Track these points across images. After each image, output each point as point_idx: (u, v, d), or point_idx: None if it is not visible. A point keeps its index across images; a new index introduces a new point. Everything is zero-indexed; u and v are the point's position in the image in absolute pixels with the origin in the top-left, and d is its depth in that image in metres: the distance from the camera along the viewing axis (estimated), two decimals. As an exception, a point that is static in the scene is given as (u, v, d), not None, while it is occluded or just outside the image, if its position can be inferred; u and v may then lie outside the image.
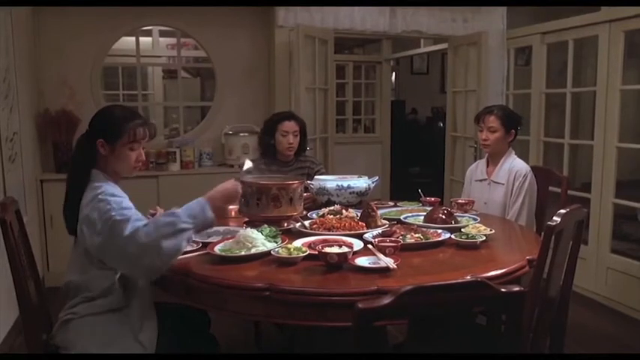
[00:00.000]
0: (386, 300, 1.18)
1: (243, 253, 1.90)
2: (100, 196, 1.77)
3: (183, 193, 4.08)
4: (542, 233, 1.78)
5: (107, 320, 1.81)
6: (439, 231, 2.19)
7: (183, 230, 1.70)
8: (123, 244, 1.67)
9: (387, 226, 2.25)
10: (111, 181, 1.89)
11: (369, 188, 2.72)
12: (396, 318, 1.33)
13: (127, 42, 4.78)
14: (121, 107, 2.00)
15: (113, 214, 1.72)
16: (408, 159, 7.58)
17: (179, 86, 5.16)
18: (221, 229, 2.29)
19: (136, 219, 1.72)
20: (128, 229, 1.67)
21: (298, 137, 3.16)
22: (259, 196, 2.27)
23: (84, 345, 1.80)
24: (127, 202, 1.81)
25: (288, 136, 3.11)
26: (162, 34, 5.65)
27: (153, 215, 2.20)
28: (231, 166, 4.58)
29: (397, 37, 5.30)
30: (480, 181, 3.00)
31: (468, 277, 1.62)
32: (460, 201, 2.69)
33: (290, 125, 3.13)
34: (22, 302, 1.86)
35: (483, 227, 2.21)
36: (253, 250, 1.91)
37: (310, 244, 2.00)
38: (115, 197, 1.78)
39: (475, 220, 2.38)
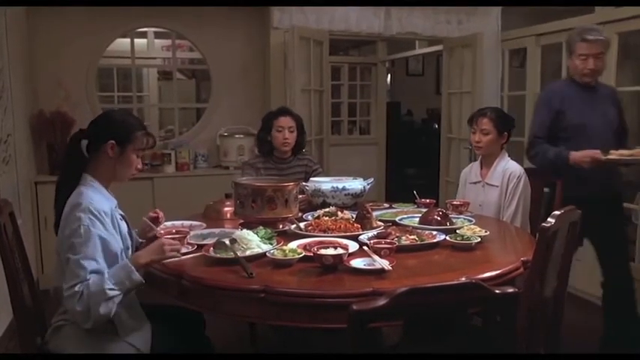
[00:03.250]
0: (381, 301, 1.18)
1: (238, 254, 1.90)
2: (76, 213, 1.75)
3: (178, 195, 4.16)
4: (537, 234, 1.78)
5: (99, 326, 1.79)
6: (434, 232, 2.19)
7: (113, 297, 1.70)
8: (64, 292, 1.70)
9: (382, 227, 2.26)
10: (99, 186, 1.88)
11: (365, 190, 2.73)
12: (391, 319, 1.33)
13: (122, 43, 4.77)
14: (132, 114, 2.08)
15: (75, 249, 1.71)
16: (403, 160, 7.60)
17: (174, 88, 5.16)
18: (216, 230, 2.30)
19: (85, 275, 1.68)
20: (68, 289, 1.68)
21: (294, 133, 3.17)
22: (255, 197, 2.27)
23: (77, 351, 1.79)
24: (99, 232, 1.76)
25: (283, 132, 3.12)
26: (158, 35, 5.64)
27: (154, 219, 2.20)
28: (227, 167, 4.58)
29: (392, 39, 5.30)
30: (474, 183, 3.00)
31: (463, 279, 1.62)
32: (455, 202, 2.69)
33: (285, 121, 3.14)
34: (16, 305, 1.85)
35: (478, 229, 2.21)
36: (248, 252, 1.91)
37: (305, 245, 2.00)
38: (92, 220, 1.75)
39: (470, 221, 2.38)
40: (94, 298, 1.67)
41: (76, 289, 1.67)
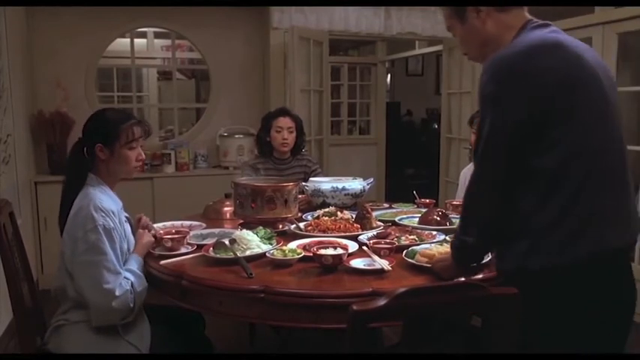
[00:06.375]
0: (381, 302, 1.18)
1: (238, 254, 1.90)
2: (88, 213, 1.76)
3: (178, 195, 4.16)
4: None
5: (99, 326, 1.79)
6: (434, 232, 2.19)
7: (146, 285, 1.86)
8: (106, 297, 1.72)
9: (381, 227, 2.26)
10: (106, 187, 1.90)
11: (364, 190, 2.73)
12: (391, 320, 1.33)
13: (122, 43, 4.77)
14: (113, 110, 2.04)
15: (100, 250, 1.73)
16: (403, 160, 7.60)
17: (174, 88, 5.16)
18: (216, 230, 2.29)
19: (123, 272, 1.78)
20: (117, 290, 1.73)
21: (293, 134, 3.17)
22: (254, 197, 2.27)
23: (77, 350, 1.79)
24: (114, 229, 1.80)
25: (282, 132, 3.13)
26: (157, 35, 5.64)
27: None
28: (226, 167, 4.58)
29: (392, 39, 5.31)
30: (474, 183, 3.00)
31: (463, 279, 1.63)
32: (455, 202, 2.69)
33: (284, 121, 3.15)
34: (16, 305, 1.85)
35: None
36: (248, 252, 1.91)
37: (305, 245, 2.00)
38: (106, 218, 1.77)
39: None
40: (141, 292, 1.81)
41: (126, 287, 1.75)
